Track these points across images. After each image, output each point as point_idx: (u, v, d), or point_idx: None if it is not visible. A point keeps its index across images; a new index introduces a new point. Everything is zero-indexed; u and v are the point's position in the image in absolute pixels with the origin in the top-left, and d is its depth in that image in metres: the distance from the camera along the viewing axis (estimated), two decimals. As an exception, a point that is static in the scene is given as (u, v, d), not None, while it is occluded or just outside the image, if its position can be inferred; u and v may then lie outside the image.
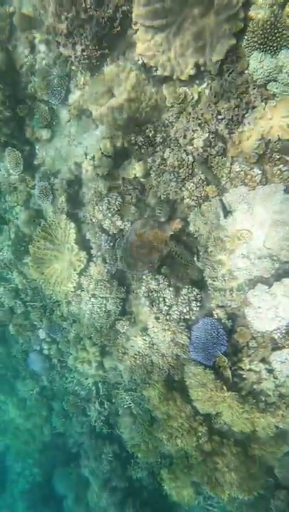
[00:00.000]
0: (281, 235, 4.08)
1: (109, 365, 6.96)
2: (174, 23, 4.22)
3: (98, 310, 5.95)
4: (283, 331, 4.00)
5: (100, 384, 7.65)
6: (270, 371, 4.71)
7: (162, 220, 4.84)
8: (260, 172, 4.05)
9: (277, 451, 4.51)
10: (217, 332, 4.89)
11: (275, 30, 3.78)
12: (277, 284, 4.02)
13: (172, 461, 6.18)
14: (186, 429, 5.01)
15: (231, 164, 4.28)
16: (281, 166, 4.01)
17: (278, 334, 4.05)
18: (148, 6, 4.09)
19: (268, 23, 3.77)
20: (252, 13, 3.97)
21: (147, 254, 4.95)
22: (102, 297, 5.87)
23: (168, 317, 5.12)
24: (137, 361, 5.91)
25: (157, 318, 5.28)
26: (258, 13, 3.87)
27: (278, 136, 3.94)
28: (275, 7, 3.78)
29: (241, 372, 5.03)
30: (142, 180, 5.13)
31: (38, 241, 6.27)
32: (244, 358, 5.02)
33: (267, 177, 4.15)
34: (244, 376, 5.01)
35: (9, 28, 5.66)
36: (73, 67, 5.20)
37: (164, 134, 4.75)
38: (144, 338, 5.62)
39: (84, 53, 4.64)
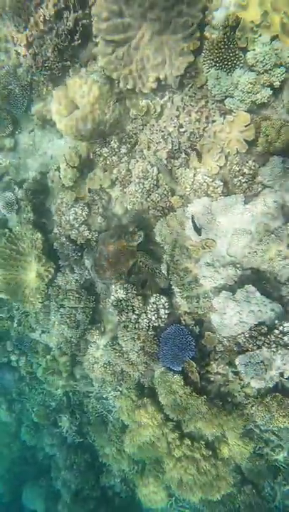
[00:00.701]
0: (243, 243, 4.26)
1: (80, 374, 6.92)
2: (133, 37, 4.32)
3: (67, 320, 5.91)
4: (247, 335, 4.17)
5: (70, 394, 7.59)
6: (236, 373, 4.89)
7: (130, 230, 4.90)
8: (221, 183, 4.22)
9: (245, 451, 4.67)
10: (185, 338, 5.00)
11: (229, 50, 3.96)
12: (240, 290, 4.19)
13: (144, 467, 6.23)
14: (158, 436, 5.08)
15: (194, 176, 4.41)
16: (240, 177, 4.19)
17: (242, 338, 4.21)
18: (108, 21, 4.16)
19: (222, 43, 3.95)
20: (207, 33, 4.14)
21: (116, 264, 5.00)
22: (71, 307, 5.84)
23: (137, 325, 5.17)
24: (108, 370, 5.92)
25: (126, 327, 5.33)
26: (213, 33, 4.04)
27: (236, 149, 4.12)
28: (227, 29, 3.95)
29: (209, 375, 5.19)
30: (107, 190, 5.18)
31: (4, 251, 6.13)
32: (212, 362, 5.18)
33: (228, 188, 4.33)
34: (212, 379, 5.18)
35: None
36: (35, 78, 5.16)
37: (129, 146, 4.83)
38: (114, 347, 5.64)
39: (45, 64, 4.62)
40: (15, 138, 6.03)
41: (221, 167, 4.25)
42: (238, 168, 4.19)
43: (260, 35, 3.84)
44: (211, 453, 4.81)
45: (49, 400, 8.03)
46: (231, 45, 3.93)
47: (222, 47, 3.95)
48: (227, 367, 5.00)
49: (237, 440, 4.69)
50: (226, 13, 3.91)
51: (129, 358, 5.57)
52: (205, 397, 4.81)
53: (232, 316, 4.17)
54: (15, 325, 7.39)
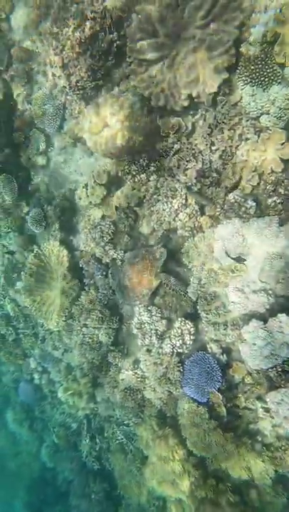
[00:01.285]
0: (276, 269, 3.95)
1: (101, 397, 6.69)
2: (167, 56, 4.27)
3: (89, 340, 5.75)
4: (279, 370, 3.80)
5: (91, 417, 7.34)
6: (267, 410, 4.47)
7: (154, 249, 4.74)
8: (254, 204, 3.97)
9: (277, 503, 4.18)
10: (211, 367, 4.68)
11: (266, 67, 3.79)
12: (272, 319, 3.85)
13: (165, 505, 5.80)
14: (179, 472, 4.71)
15: (225, 195, 4.20)
16: (275, 198, 3.93)
17: (274, 373, 3.84)
18: (142, 40, 4.14)
19: (259, 59, 3.79)
20: (243, 49, 4.00)
21: (139, 285, 4.82)
22: (93, 327, 5.68)
23: (160, 350, 4.91)
24: (128, 396, 5.66)
25: (149, 351, 5.08)
26: (249, 49, 3.89)
27: (271, 168, 3.88)
28: (265, 45, 3.80)
29: (237, 409, 4.79)
30: (135, 209, 5.06)
31: (31, 268, 6.15)
32: (239, 395, 4.79)
33: (261, 209, 4.07)
34: (240, 414, 4.77)
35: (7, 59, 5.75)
36: (68, 97, 5.23)
37: (158, 163, 4.71)
38: (136, 371, 5.39)
39: (78, 84, 4.66)
40: (47, 155, 6.13)
41: (254, 187, 4.01)
42: (272, 188, 3.94)
43: (299, 51, 3.65)
44: (238, 499, 4.36)
45: (70, 422, 7.82)
46: (269, 61, 3.76)
47: (259, 63, 3.80)
48: (257, 402, 4.60)
49: (268, 488, 4.22)
50: (265, 29, 3.76)
51: (150, 384, 5.29)
52: (232, 434, 4.43)
53: (263, 348, 3.82)
54: (39, 342, 7.32)
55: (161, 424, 5.52)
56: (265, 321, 3.93)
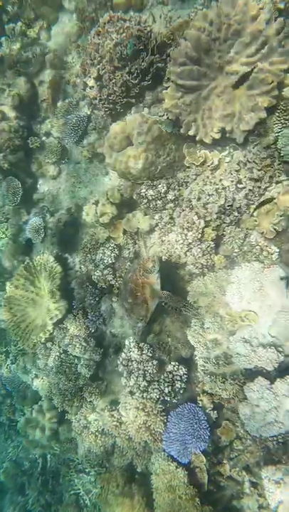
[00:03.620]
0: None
1: (65, 436, 5.96)
2: (206, 86, 4.14)
3: (67, 370, 5.16)
4: (281, 441, 3.31)
5: (48, 457, 6.52)
6: (255, 485, 3.91)
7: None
8: (277, 250, 3.67)
9: None
10: (199, 423, 4.14)
11: (308, 112, 3.67)
12: (280, 380, 3.42)
13: None
14: None
15: (245, 237, 3.91)
16: (299, 248, 3.66)
17: (274, 443, 3.35)
18: (184, 65, 4.02)
19: (302, 104, 3.68)
20: (286, 92, 3.90)
21: (136, 305, 4.30)
22: (74, 356, 5.12)
23: (145, 394, 4.37)
24: (98, 439, 5.01)
25: (132, 393, 4.53)
26: (292, 94, 3.79)
27: (301, 216, 3.64)
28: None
29: (220, 478, 4.21)
30: (144, 235, 4.73)
31: (18, 279, 5.65)
32: (224, 461, 4.23)
33: (282, 256, 3.77)
34: (222, 484, 4.19)
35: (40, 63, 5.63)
36: (95, 111, 5.04)
37: (177, 193, 4.45)
38: (112, 413, 4.79)
39: (110, 97, 4.48)
40: (60, 167, 5.86)
41: (278, 232, 3.73)
42: (298, 237, 3.67)
43: None
44: None
45: (23, 458, 6.94)
46: (311, 108, 3.63)
47: (301, 108, 3.67)
48: (244, 473, 4.04)
49: None
50: (310, 77, 3.67)
51: (126, 431, 4.68)
52: (211, 508, 3.82)
53: (267, 412, 3.36)
54: (8, 362, 6.64)
55: (129, 480, 4.86)
56: (271, 382, 3.50)
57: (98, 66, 4.47)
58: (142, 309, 4.22)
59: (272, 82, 3.83)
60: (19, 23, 5.63)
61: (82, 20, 5.17)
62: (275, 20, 3.65)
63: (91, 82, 4.56)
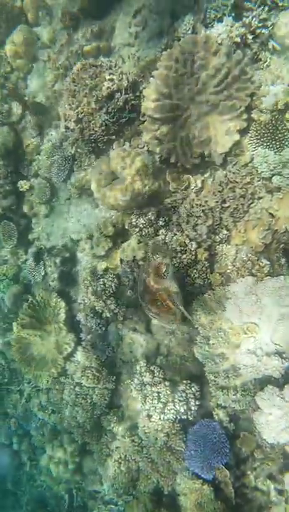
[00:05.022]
0: (290, 331, 3.76)
1: (88, 468, 5.98)
2: (180, 116, 4.42)
3: (82, 401, 5.26)
4: (298, 445, 3.45)
5: (74, 491, 6.50)
6: (281, 492, 4.00)
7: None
8: (268, 263, 3.88)
9: None
10: (218, 437, 4.25)
11: (277, 131, 3.94)
12: (288, 386, 3.57)
13: None
14: None
15: (236, 253, 4.13)
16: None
17: (292, 448, 3.49)
18: (157, 101, 4.30)
19: (270, 125, 3.95)
20: (254, 115, 4.19)
21: (164, 311, 4.27)
22: (88, 387, 5.23)
23: (162, 416, 4.48)
24: (122, 467, 5.06)
25: (149, 417, 4.64)
26: (260, 116, 4.07)
27: (285, 227, 3.87)
28: (275, 112, 3.99)
29: (245, 490, 4.28)
30: (141, 263, 4.92)
31: (24, 319, 5.79)
32: (248, 472, 4.32)
33: (274, 268, 3.98)
34: (248, 496, 4.26)
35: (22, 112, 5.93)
36: (79, 150, 5.31)
37: (167, 218, 4.68)
38: (133, 438, 4.88)
39: (91, 137, 4.75)
40: (51, 205, 6.08)
41: (266, 245, 3.95)
42: (285, 248, 3.89)
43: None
44: None
45: (48, 497, 6.90)
46: (280, 127, 3.91)
47: (270, 128, 3.94)
48: (269, 481, 4.13)
49: None
50: (275, 100, 3.96)
51: (149, 455, 4.76)
52: (242, 520, 3.90)
53: (279, 419, 3.50)
54: (23, 400, 6.70)
55: (157, 504, 4.90)
56: (281, 388, 3.65)
57: (77, 110, 4.75)
58: (169, 314, 4.14)
59: (240, 107, 4.13)
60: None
61: (55, 68, 5.49)
62: (234, 53, 3.98)
63: (71, 125, 4.83)
